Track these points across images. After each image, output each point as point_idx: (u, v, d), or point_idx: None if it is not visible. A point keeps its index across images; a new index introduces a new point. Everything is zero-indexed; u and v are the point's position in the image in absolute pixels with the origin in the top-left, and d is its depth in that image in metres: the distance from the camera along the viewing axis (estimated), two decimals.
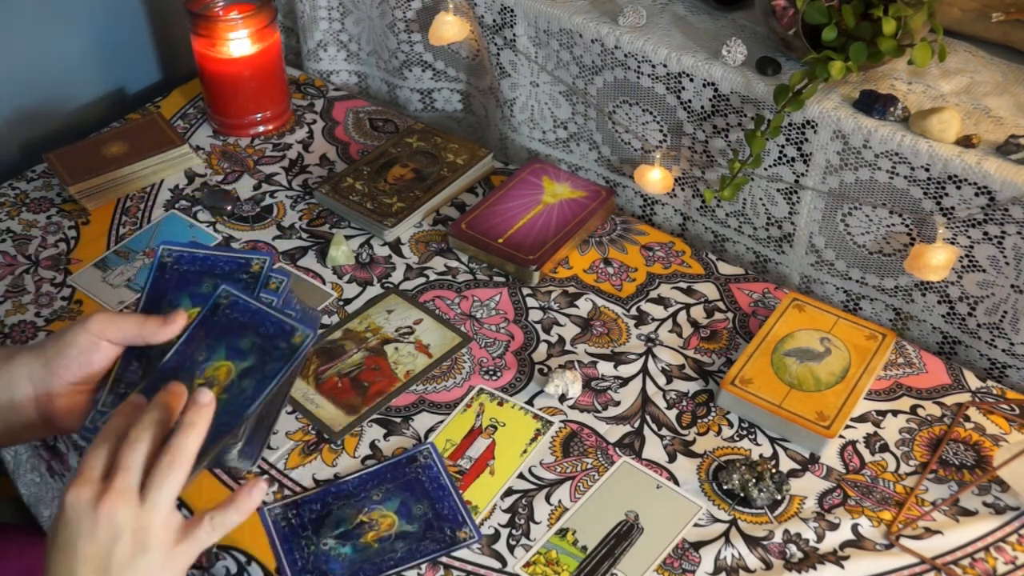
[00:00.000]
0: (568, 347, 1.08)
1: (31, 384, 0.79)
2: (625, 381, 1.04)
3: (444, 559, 0.89)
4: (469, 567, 0.89)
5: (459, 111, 1.48)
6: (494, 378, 1.05)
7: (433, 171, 1.28)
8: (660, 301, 1.13)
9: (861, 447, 0.98)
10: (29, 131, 1.39)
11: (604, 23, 1.18)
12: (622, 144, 1.27)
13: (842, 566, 0.88)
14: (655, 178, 1.21)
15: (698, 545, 0.90)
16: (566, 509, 0.93)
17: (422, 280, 1.16)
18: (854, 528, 0.91)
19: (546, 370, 1.06)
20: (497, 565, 0.89)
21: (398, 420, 1.01)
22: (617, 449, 0.98)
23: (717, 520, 0.92)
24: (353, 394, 1.03)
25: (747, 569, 0.88)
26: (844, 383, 1.00)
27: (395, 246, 1.21)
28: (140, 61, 1.50)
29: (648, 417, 1.01)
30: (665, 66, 1.15)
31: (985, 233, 1.01)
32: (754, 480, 0.93)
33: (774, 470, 0.95)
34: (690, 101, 1.16)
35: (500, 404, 1.02)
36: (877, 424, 1.00)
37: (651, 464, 0.97)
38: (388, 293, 1.14)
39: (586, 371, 1.05)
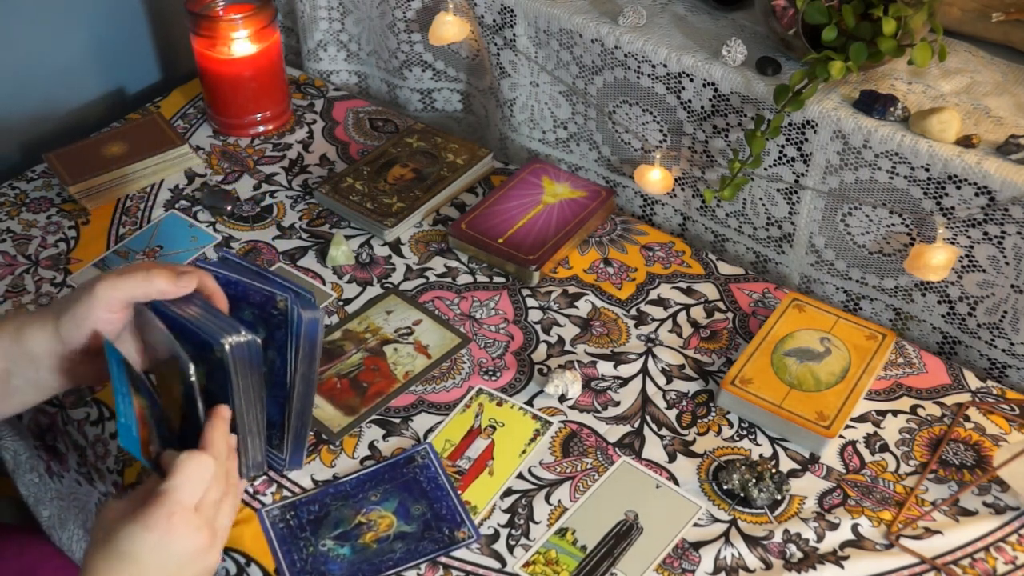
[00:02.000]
0: (568, 347, 1.08)
1: (49, 358, 0.80)
2: (625, 381, 1.04)
3: (443, 559, 0.89)
4: (469, 567, 0.88)
5: (459, 111, 1.48)
6: (493, 378, 1.05)
7: (433, 171, 1.28)
8: (660, 301, 1.13)
9: (861, 447, 0.98)
10: (29, 131, 1.39)
11: (604, 23, 1.18)
12: (622, 144, 1.27)
13: (842, 566, 0.88)
14: (655, 178, 1.21)
15: (698, 545, 0.90)
16: (566, 509, 0.93)
17: (422, 281, 1.16)
18: (854, 528, 0.91)
19: (546, 370, 1.05)
20: (497, 565, 0.89)
21: (397, 421, 1.01)
22: (617, 449, 0.98)
23: (717, 520, 0.92)
24: (352, 395, 1.03)
25: (747, 569, 0.88)
26: (844, 383, 1.00)
27: (395, 246, 1.21)
28: (140, 61, 1.50)
29: (648, 417, 1.01)
30: (665, 66, 1.15)
31: (985, 233, 1.01)
32: (754, 480, 0.93)
33: (774, 470, 0.95)
34: (690, 101, 1.16)
35: (499, 404, 1.02)
36: (877, 424, 1.00)
37: (651, 464, 0.96)
38: (388, 294, 1.14)
39: (586, 371, 1.05)
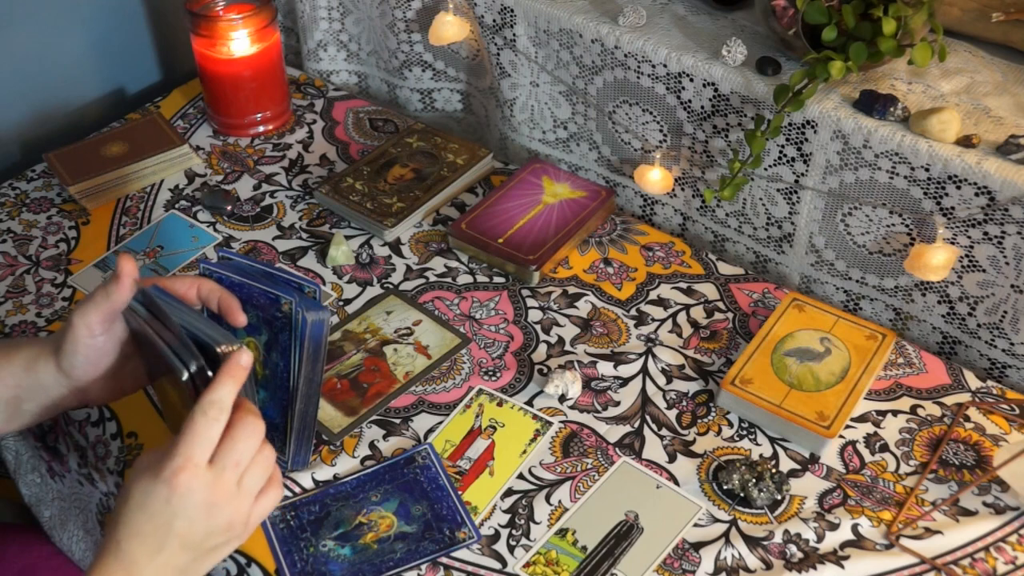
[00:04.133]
0: (568, 347, 1.08)
1: (58, 387, 0.84)
2: (625, 381, 1.04)
3: (444, 560, 0.89)
4: (469, 567, 0.89)
5: (459, 111, 1.48)
6: (493, 379, 1.05)
7: (433, 171, 1.28)
8: (660, 301, 1.13)
9: (861, 447, 0.98)
10: (29, 131, 1.39)
11: (604, 23, 1.18)
12: (622, 144, 1.27)
13: (842, 566, 0.88)
14: (655, 178, 1.21)
15: (698, 545, 0.90)
16: (566, 509, 0.93)
17: (422, 281, 1.16)
18: (854, 528, 0.91)
19: (546, 370, 1.05)
20: (497, 565, 0.89)
21: (397, 421, 1.01)
22: (617, 449, 0.98)
23: (717, 520, 0.92)
24: (352, 395, 1.03)
25: (747, 569, 0.88)
26: (844, 383, 1.00)
27: (395, 246, 1.21)
28: (140, 61, 1.50)
29: (648, 417, 1.01)
30: (665, 66, 1.15)
31: (985, 233, 1.01)
32: (754, 480, 0.93)
33: (774, 470, 0.95)
34: (690, 101, 1.16)
35: (499, 405, 1.02)
36: (877, 424, 1.00)
37: (651, 464, 0.97)
38: (387, 294, 1.14)
39: (586, 371, 1.05)
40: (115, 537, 0.72)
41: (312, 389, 0.84)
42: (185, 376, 0.74)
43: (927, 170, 1.01)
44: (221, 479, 0.72)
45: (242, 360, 0.74)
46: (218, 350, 0.74)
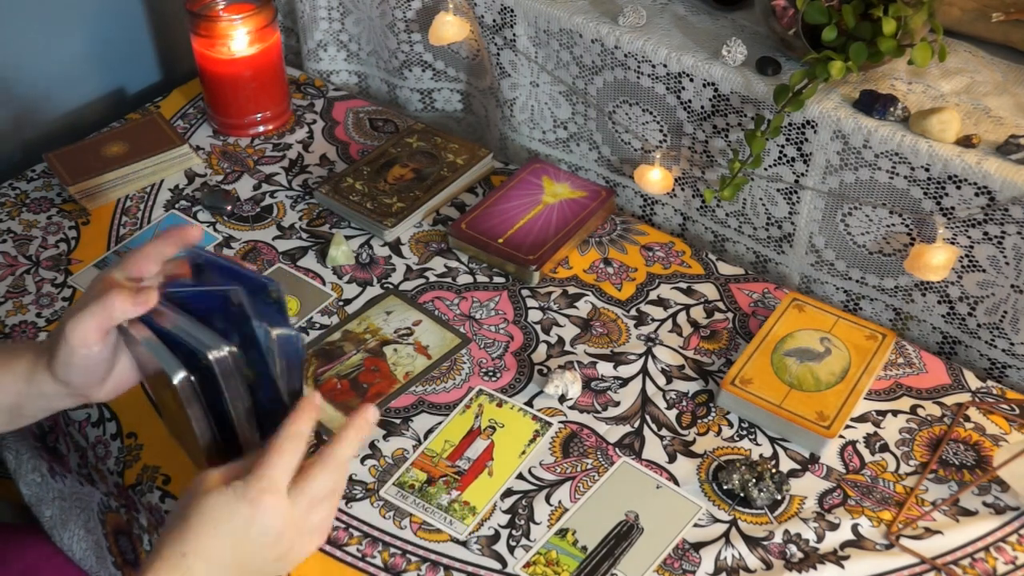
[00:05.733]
0: (568, 348, 1.08)
1: (58, 395, 0.82)
2: (625, 381, 1.04)
3: (444, 560, 0.89)
4: (469, 567, 0.89)
5: (459, 111, 1.48)
6: (493, 379, 1.05)
7: (433, 171, 1.28)
8: (660, 301, 1.13)
9: (861, 447, 0.98)
10: (29, 131, 1.39)
11: (604, 23, 1.18)
12: (622, 144, 1.27)
13: (842, 566, 0.88)
14: (655, 178, 1.21)
15: (698, 545, 0.90)
16: (566, 509, 0.93)
17: (422, 281, 1.16)
18: (854, 528, 0.91)
19: (546, 371, 1.06)
20: (497, 566, 0.89)
21: (398, 421, 1.01)
22: (617, 449, 0.98)
23: (717, 520, 0.92)
24: (352, 395, 1.03)
25: (747, 569, 0.88)
26: (844, 383, 1.00)
27: (395, 246, 1.21)
28: (140, 61, 1.50)
29: (648, 417, 1.01)
30: (665, 66, 1.15)
31: (985, 233, 1.01)
32: (754, 480, 0.93)
33: (774, 470, 0.95)
34: (690, 101, 1.16)
35: (499, 405, 1.02)
36: (877, 424, 1.00)
37: (651, 464, 0.97)
38: (387, 294, 1.14)
39: (586, 372, 1.05)
40: (181, 549, 0.70)
41: (294, 399, 0.81)
42: (177, 380, 0.73)
43: (927, 170, 1.01)
44: (296, 509, 0.72)
45: (316, 400, 0.75)
46: (210, 356, 0.73)
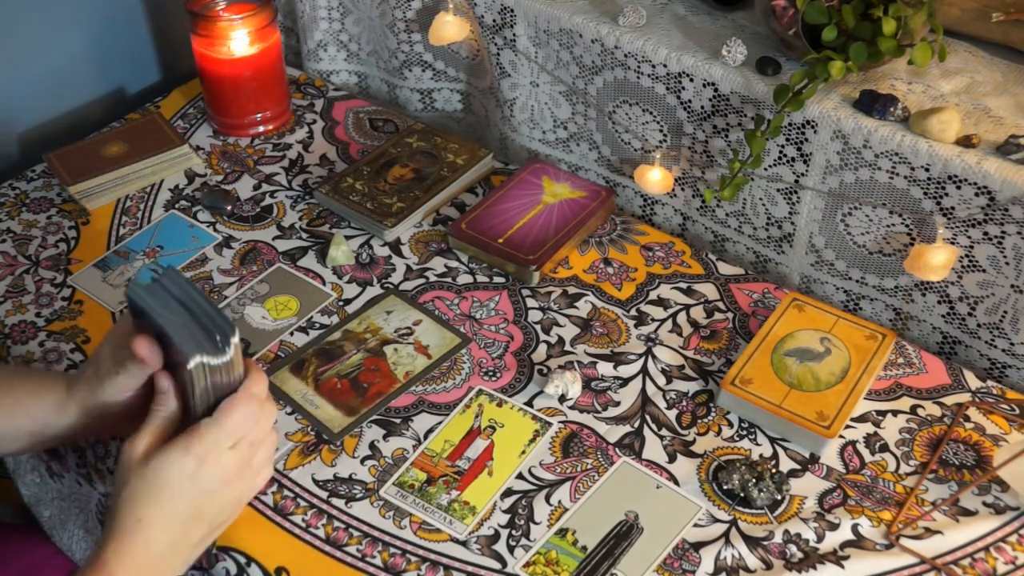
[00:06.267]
0: (568, 347, 1.08)
1: (84, 428, 0.87)
2: (625, 381, 1.04)
3: (444, 560, 0.89)
4: (469, 567, 0.89)
5: (459, 111, 1.48)
6: (493, 379, 1.05)
7: (433, 171, 1.28)
8: (660, 301, 1.13)
9: (861, 447, 0.98)
10: (29, 131, 1.39)
11: (604, 23, 1.18)
12: (622, 144, 1.27)
13: (842, 566, 0.88)
14: (655, 178, 1.21)
15: (698, 545, 0.90)
16: (566, 509, 0.93)
17: (422, 281, 1.16)
18: (854, 528, 0.91)
19: (546, 371, 1.05)
20: (497, 566, 0.89)
21: (397, 421, 1.01)
22: (617, 449, 0.98)
23: (717, 520, 0.92)
24: (352, 395, 1.03)
25: (747, 569, 0.88)
26: (844, 383, 1.00)
27: (395, 246, 1.21)
28: (140, 61, 1.50)
29: (648, 417, 1.01)
30: (665, 66, 1.15)
31: (985, 233, 1.01)
32: (754, 480, 0.93)
33: (774, 470, 0.95)
34: (690, 101, 1.16)
35: (499, 405, 1.02)
36: (877, 424, 1.00)
37: (651, 464, 0.96)
38: (388, 294, 1.14)
39: (586, 371, 1.05)
40: (135, 515, 0.74)
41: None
42: (190, 366, 0.75)
43: (927, 170, 1.01)
44: (238, 456, 0.77)
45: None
46: (190, 363, 0.75)
